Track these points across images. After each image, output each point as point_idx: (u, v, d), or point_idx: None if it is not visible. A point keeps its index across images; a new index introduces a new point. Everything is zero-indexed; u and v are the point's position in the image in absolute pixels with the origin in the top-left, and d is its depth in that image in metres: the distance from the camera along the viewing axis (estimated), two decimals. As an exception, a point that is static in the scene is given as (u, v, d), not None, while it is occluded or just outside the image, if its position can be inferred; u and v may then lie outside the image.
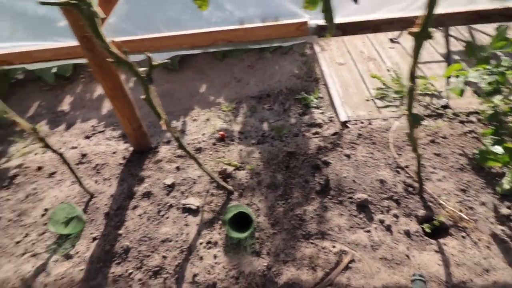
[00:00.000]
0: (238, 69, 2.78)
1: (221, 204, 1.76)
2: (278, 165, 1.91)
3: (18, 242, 1.70)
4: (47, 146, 1.69)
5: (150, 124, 2.35)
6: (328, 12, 0.99)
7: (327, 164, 1.85)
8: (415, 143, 1.37)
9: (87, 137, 2.37)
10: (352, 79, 2.41)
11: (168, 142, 2.22)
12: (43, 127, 2.51)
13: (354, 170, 1.80)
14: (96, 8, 1.04)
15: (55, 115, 2.61)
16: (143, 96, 1.40)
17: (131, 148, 2.16)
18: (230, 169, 1.91)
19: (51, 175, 2.04)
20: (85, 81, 2.90)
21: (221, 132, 2.21)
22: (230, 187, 1.79)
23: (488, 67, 1.54)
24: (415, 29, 1.00)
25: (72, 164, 1.74)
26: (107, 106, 2.63)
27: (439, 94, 2.26)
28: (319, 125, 2.17)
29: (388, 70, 2.47)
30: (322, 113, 2.27)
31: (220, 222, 1.68)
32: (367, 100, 2.24)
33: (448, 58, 2.49)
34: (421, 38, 1.01)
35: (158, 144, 2.19)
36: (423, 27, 0.97)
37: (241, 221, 1.63)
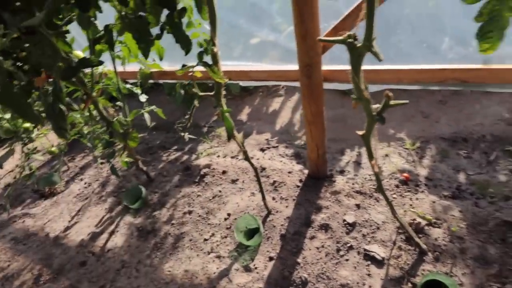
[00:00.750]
0: (426, 103, 2.46)
1: (411, 262, 1.52)
2: (490, 234, 1.54)
3: (205, 240, 1.89)
4: (247, 159, 1.83)
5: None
6: None
7: None
8: None
9: (262, 150, 2.51)
10: None
11: (341, 172, 2.12)
12: (224, 132, 2.82)
13: None
14: (377, 49, 0.99)
15: (234, 123, 2.89)
16: (361, 132, 1.32)
17: (306, 171, 2.16)
18: (422, 222, 1.65)
19: (234, 181, 2.23)
20: (262, 95, 3.13)
21: (406, 174, 1.96)
22: (424, 246, 1.54)
23: None
24: None
25: (257, 176, 1.83)
26: (280, 123, 2.75)
27: None
28: (550, 194, 1.66)
29: None
30: (553, 177, 1.73)
31: (410, 284, 1.45)
32: None
33: None
34: None
35: (331, 172, 2.12)
36: None
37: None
